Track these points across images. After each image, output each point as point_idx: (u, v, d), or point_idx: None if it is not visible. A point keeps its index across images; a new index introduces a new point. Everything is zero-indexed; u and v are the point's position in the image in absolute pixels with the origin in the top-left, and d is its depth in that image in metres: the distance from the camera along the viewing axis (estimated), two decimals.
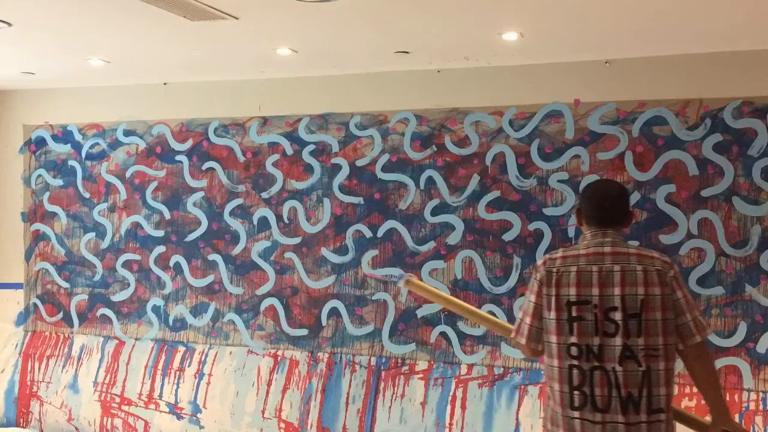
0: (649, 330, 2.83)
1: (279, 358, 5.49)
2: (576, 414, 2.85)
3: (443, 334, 5.08)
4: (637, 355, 2.83)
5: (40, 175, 6.28)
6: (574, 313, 2.88)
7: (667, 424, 2.86)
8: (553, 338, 2.90)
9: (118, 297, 5.98)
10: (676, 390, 3.06)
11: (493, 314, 4.97)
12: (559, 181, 4.86)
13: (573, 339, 2.87)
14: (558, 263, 2.96)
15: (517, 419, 4.85)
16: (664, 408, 2.83)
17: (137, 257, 5.93)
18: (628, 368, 2.83)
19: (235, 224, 5.63)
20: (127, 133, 6.00)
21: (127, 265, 5.96)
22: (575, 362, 2.87)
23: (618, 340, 2.84)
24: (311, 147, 5.46)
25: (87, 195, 6.11)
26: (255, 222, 5.58)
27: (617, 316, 2.85)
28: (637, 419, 2.81)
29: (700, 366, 2.93)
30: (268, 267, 5.53)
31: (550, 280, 2.94)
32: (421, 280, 5.02)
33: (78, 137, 6.16)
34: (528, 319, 3.01)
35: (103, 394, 5.94)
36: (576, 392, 2.86)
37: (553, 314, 2.91)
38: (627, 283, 2.86)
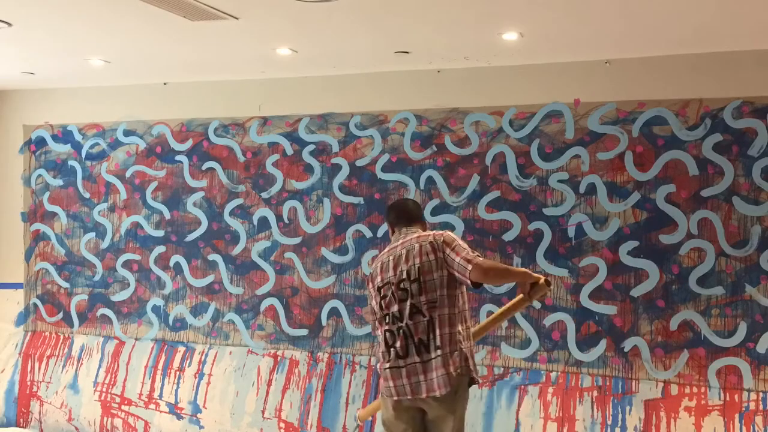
0: (427, 288, 3.60)
1: (279, 358, 5.49)
2: (387, 365, 3.65)
3: None
4: (422, 309, 3.60)
5: (40, 175, 6.28)
6: (381, 294, 3.72)
7: (451, 356, 3.53)
8: (378, 314, 3.73)
9: (118, 297, 5.98)
10: (465, 327, 3.61)
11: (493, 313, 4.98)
12: (559, 181, 4.86)
13: (385, 311, 3.70)
14: (373, 264, 3.85)
15: (517, 419, 4.85)
16: (446, 343, 3.53)
17: (137, 257, 5.93)
18: (416, 320, 3.60)
19: (235, 224, 5.63)
20: (127, 133, 6.00)
21: (127, 265, 5.96)
22: (386, 327, 3.68)
23: (407, 302, 3.62)
24: (311, 147, 5.46)
25: (87, 195, 6.11)
26: (255, 222, 5.58)
27: (405, 284, 3.65)
28: (428, 357, 3.56)
29: (487, 278, 3.59)
30: (268, 267, 5.53)
31: (371, 277, 3.82)
32: None
33: (78, 137, 6.16)
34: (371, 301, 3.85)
35: (103, 394, 5.94)
36: (389, 350, 3.65)
37: (373, 301, 3.77)
38: (409, 259, 3.66)
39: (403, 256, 3.67)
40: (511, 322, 4.93)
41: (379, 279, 3.73)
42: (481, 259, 3.55)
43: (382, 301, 3.70)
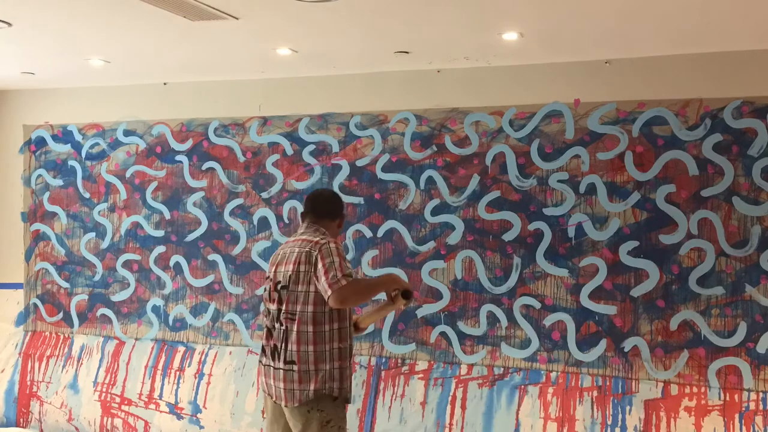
0: (290, 299, 3.61)
1: None
2: (262, 360, 3.75)
3: (443, 334, 5.09)
4: (281, 317, 3.63)
5: (40, 175, 6.28)
6: (265, 286, 3.79)
7: (300, 374, 3.56)
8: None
9: (118, 297, 5.98)
10: (334, 348, 3.59)
11: (493, 314, 4.98)
12: (559, 181, 4.86)
13: (265, 305, 3.78)
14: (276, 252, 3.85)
15: (517, 419, 4.85)
16: (296, 361, 3.56)
17: (137, 257, 5.93)
18: (278, 326, 3.64)
19: (235, 224, 5.63)
20: (127, 133, 6.00)
21: (127, 265, 5.96)
22: (265, 321, 3.76)
23: (275, 306, 3.67)
24: (311, 147, 5.46)
25: (87, 195, 6.11)
26: (255, 222, 5.58)
27: (279, 288, 3.67)
28: (279, 366, 3.62)
29: (348, 304, 3.54)
30: (268, 267, 5.52)
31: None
32: (420, 280, 5.04)
33: (78, 137, 6.16)
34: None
35: (103, 394, 5.94)
36: (263, 346, 3.74)
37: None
38: (287, 263, 3.66)
39: (285, 258, 3.68)
40: (511, 322, 4.93)
41: (268, 270, 3.79)
42: (344, 283, 3.46)
43: (264, 294, 3.79)
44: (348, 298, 3.50)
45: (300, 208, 5.41)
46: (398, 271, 5.14)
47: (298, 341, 3.56)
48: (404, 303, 3.68)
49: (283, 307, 3.62)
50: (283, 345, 3.59)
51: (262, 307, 3.99)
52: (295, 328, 3.57)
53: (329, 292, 3.46)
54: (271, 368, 3.65)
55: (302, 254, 3.60)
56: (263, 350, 3.73)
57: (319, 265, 3.52)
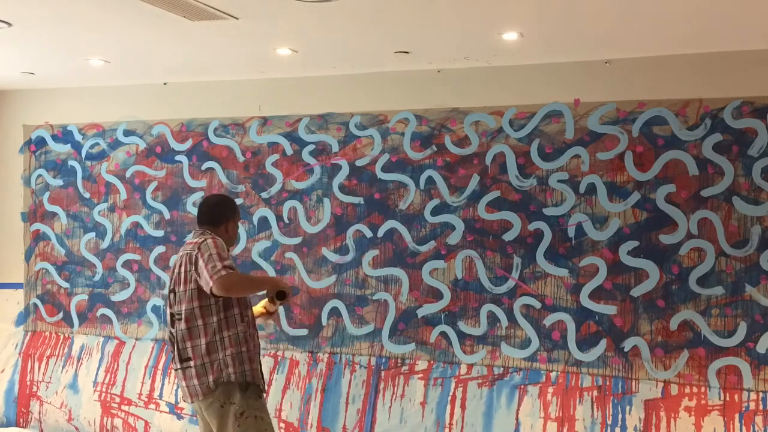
0: (178, 299, 3.72)
1: (279, 358, 5.49)
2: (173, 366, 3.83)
3: (443, 334, 5.09)
4: (174, 319, 3.75)
5: (40, 175, 6.28)
6: (168, 293, 3.85)
7: (197, 368, 3.67)
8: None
9: (118, 297, 5.98)
10: (228, 335, 3.70)
11: (494, 314, 4.98)
12: (559, 181, 4.86)
13: (167, 311, 3.85)
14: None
15: (517, 419, 4.85)
16: (191, 357, 3.68)
17: (137, 257, 5.93)
18: (175, 328, 3.74)
19: None
20: (127, 133, 6.00)
21: (127, 265, 5.96)
22: (169, 328, 3.83)
23: (168, 310, 3.80)
24: (311, 147, 5.46)
25: (87, 195, 6.11)
26: (255, 222, 5.58)
27: (168, 292, 3.80)
28: (178, 366, 3.74)
29: (231, 293, 3.60)
30: (268, 267, 5.53)
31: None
32: (421, 280, 5.04)
33: (78, 137, 6.16)
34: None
35: (103, 394, 5.94)
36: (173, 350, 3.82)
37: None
38: (175, 268, 3.77)
39: (177, 264, 3.78)
40: (511, 322, 4.93)
41: (172, 274, 3.84)
42: (224, 273, 3.54)
43: (166, 303, 3.87)
44: (231, 286, 3.57)
45: (300, 208, 5.44)
46: (401, 272, 5.14)
47: (192, 336, 3.69)
48: (279, 303, 3.83)
49: (175, 308, 3.75)
50: (179, 345, 3.72)
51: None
52: (183, 326, 3.69)
53: (210, 283, 3.54)
54: (177, 370, 3.78)
55: (185, 256, 3.71)
56: (172, 358, 3.84)
57: (200, 262, 3.61)
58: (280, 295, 3.80)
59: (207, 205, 3.99)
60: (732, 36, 4.28)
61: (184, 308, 3.70)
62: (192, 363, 3.69)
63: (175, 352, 3.76)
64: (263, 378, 3.82)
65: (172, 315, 3.78)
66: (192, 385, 3.71)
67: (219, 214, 3.92)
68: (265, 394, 3.85)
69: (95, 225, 6.07)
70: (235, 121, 5.68)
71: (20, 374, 6.26)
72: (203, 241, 3.68)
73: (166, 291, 4.00)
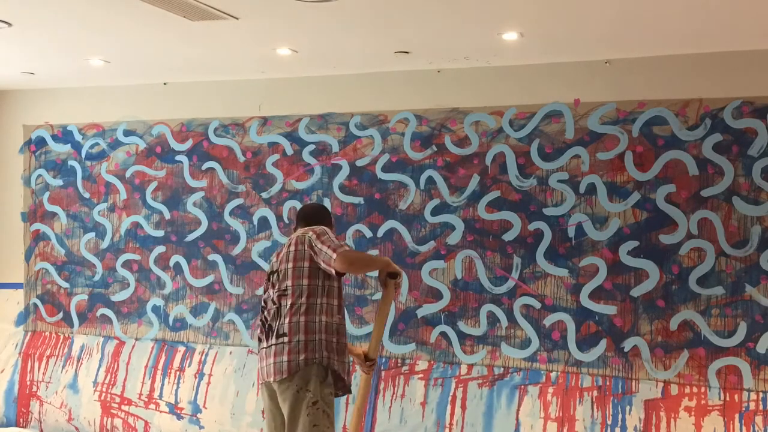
0: (282, 277, 3.73)
1: None
2: (258, 351, 3.83)
3: (443, 334, 5.09)
4: (274, 297, 3.75)
5: (40, 175, 6.28)
6: (265, 282, 3.89)
7: (291, 345, 3.64)
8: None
9: (118, 297, 5.98)
10: (329, 320, 3.69)
11: (494, 314, 4.98)
12: (559, 181, 4.86)
13: (263, 297, 3.88)
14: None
15: (517, 419, 4.85)
16: (287, 332, 3.65)
17: (137, 257, 5.93)
18: (271, 307, 3.75)
19: (235, 224, 5.63)
20: (127, 133, 6.00)
21: (127, 265, 5.96)
22: (260, 319, 3.85)
23: (271, 292, 3.79)
24: (311, 147, 5.46)
25: (87, 195, 6.11)
26: (255, 222, 5.58)
27: (273, 275, 3.81)
28: (271, 342, 3.70)
29: (352, 267, 3.77)
30: (268, 267, 5.52)
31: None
32: (421, 281, 5.04)
33: (78, 137, 6.16)
34: None
35: (103, 394, 5.94)
36: (259, 335, 3.83)
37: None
38: (283, 249, 3.80)
39: (283, 247, 3.83)
40: (511, 322, 4.93)
41: (273, 266, 3.87)
42: (347, 248, 3.64)
43: (263, 288, 3.92)
44: (353, 260, 3.68)
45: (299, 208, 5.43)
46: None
47: (290, 313, 3.67)
48: (396, 283, 3.78)
49: (278, 286, 3.74)
50: (277, 320, 3.70)
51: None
52: (288, 302, 3.68)
53: (334, 256, 3.57)
54: (264, 349, 3.74)
55: (295, 239, 3.75)
56: (259, 340, 3.83)
57: (317, 242, 3.66)
58: (392, 275, 3.76)
59: (311, 208, 4.15)
60: (732, 36, 4.28)
61: (290, 284, 3.70)
62: (287, 339, 3.65)
63: (267, 330, 3.73)
64: (349, 376, 3.79)
65: (274, 295, 3.75)
66: (279, 362, 3.64)
67: (322, 216, 4.00)
68: (340, 393, 3.80)
69: (95, 225, 6.07)
70: (235, 121, 5.68)
71: (20, 374, 6.26)
72: (319, 228, 3.75)
73: (267, 279, 3.87)
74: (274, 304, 3.73)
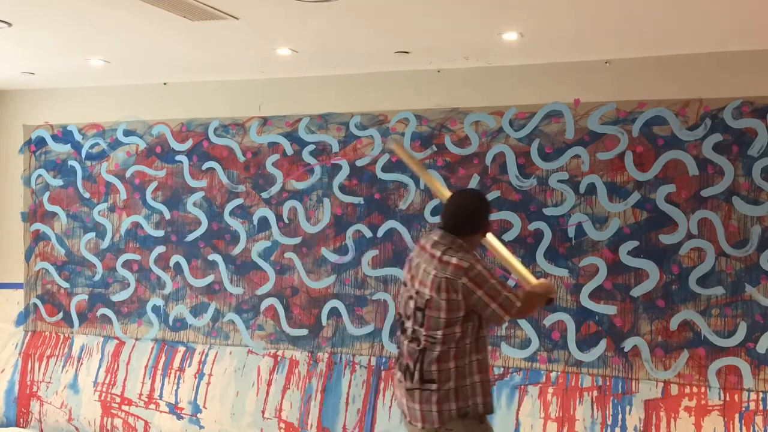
0: (430, 324, 3.29)
1: (279, 358, 5.49)
2: (395, 374, 3.49)
3: None
4: (419, 337, 3.32)
5: (40, 175, 6.28)
6: (401, 292, 3.49)
7: (440, 393, 3.28)
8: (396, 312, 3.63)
9: (118, 297, 5.98)
10: (469, 361, 3.36)
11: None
12: (559, 181, 4.86)
13: (398, 315, 3.48)
14: (414, 249, 3.56)
15: (517, 419, 4.85)
16: (436, 380, 3.28)
17: (137, 257, 5.93)
18: (412, 344, 3.35)
19: (235, 224, 5.63)
20: (127, 133, 6.00)
21: (127, 265, 5.96)
22: (398, 332, 3.48)
23: (410, 323, 3.38)
24: (311, 147, 5.46)
25: (87, 195, 6.11)
26: (255, 222, 5.58)
27: (411, 304, 3.38)
28: (412, 386, 3.33)
29: (524, 316, 3.60)
30: (268, 267, 5.53)
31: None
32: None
33: (78, 137, 6.16)
34: None
35: (103, 394, 5.94)
36: (398, 356, 3.49)
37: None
38: (422, 280, 3.34)
39: (420, 272, 3.37)
40: (511, 322, 4.93)
41: (405, 271, 3.49)
42: (519, 305, 3.30)
43: (399, 300, 3.51)
44: (524, 314, 3.48)
45: (300, 208, 5.43)
46: (400, 272, 5.14)
47: (438, 360, 3.29)
48: (549, 299, 3.61)
49: (423, 331, 3.32)
50: (418, 365, 3.32)
51: (396, 311, 3.82)
52: (438, 349, 3.29)
53: (507, 318, 3.32)
54: (406, 390, 3.38)
55: (442, 281, 3.27)
56: (397, 362, 3.49)
57: (478, 294, 3.26)
58: (549, 302, 3.56)
59: (466, 210, 3.47)
60: (732, 36, 4.28)
61: (438, 334, 3.27)
62: (434, 386, 3.29)
63: (410, 370, 3.35)
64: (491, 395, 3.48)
65: (415, 331, 3.35)
66: (428, 411, 3.30)
67: (478, 221, 3.48)
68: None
69: (95, 225, 6.07)
70: (235, 121, 5.68)
71: (20, 374, 6.26)
72: (469, 267, 3.28)
73: (404, 291, 3.48)
74: (418, 345, 3.33)
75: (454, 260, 3.30)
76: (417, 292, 3.36)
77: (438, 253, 3.34)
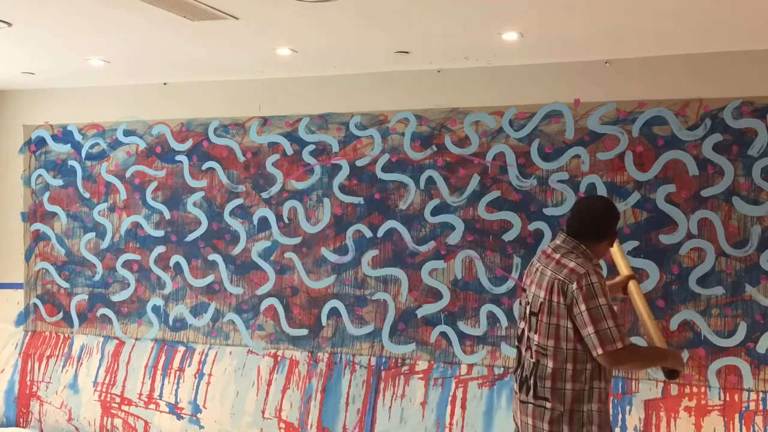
0: (541, 330, 3.17)
1: (279, 358, 5.49)
2: (514, 386, 3.37)
3: (443, 334, 5.09)
4: (532, 348, 3.22)
5: (40, 175, 6.28)
6: (522, 300, 3.38)
7: (554, 413, 3.13)
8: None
9: (118, 297, 5.98)
10: (590, 387, 3.17)
11: (493, 314, 4.98)
12: (559, 181, 4.87)
13: (519, 323, 3.38)
14: (536, 255, 3.45)
15: None
16: (550, 398, 3.14)
17: (137, 257, 5.93)
18: (527, 357, 3.25)
19: (235, 224, 5.63)
20: (127, 133, 6.00)
21: (127, 265, 5.96)
22: (517, 343, 3.37)
23: (527, 331, 3.27)
24: (311, 147, 5.46)
25: (87, 195, 6.11)
26: (255, 222, 5.58)
27: (527, 309, 3.28)
28: (526, 399, 3.22)
29: (618, 368, 3.26)
30: (268, 267, 5.53)
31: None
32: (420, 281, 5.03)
33: (78, 137, 6.16)
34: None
35: (103, 394, 5.94)
36: (517, 370, 3.36)
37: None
38: (539, 285, 3.22)
39: (538, 276, 3.24)
40: (511, 322, 4.93)
41: (524, 280, 3.39)
42: (620, 347, 3.01)
43: (520, 308, 3.39)
44: (623, 364, 3.17)
45: (300, 208, 5.43)
46: (400, 272, 5.14)
47: (553, 378, 3.14)
48: (668, 378, 3.34)
49: (535, 338, 3.20)
50: (534, 379, 3.19)
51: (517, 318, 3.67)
52: (550, 363, 3.14)
53: (600, 352, 3.02)
54: (521, 402, 3.27)
55: (555, 282, 3.14)
56: (515, 374, 3.36)
57: (581, 307, 3.05)
58: (671, 374, 3.26)
59: (591, 214, 3.29)
60: (732, 36, 4.28)
61: (549, 344, 3.14)
62: (549, 405, 3.14)
63: (527, 383, 3.23)
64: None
65: (530, 340, 3.23)
66: (539, 428, 3.17)
67: (604, 228, 3.28)
68: None
69: (95, 225, 6.07)
70: (235, 121, 5.68)
71: (20, 374, 6.26)
72: (584, 274, 3.09)
73: (522, 297, 3.37)
74: (532, 357, 3.20)
75: (571, 264, 3.16)
76: (534, 296, 3.23)
77: (557, 256, 3.23)
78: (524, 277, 3.41)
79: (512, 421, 3.45)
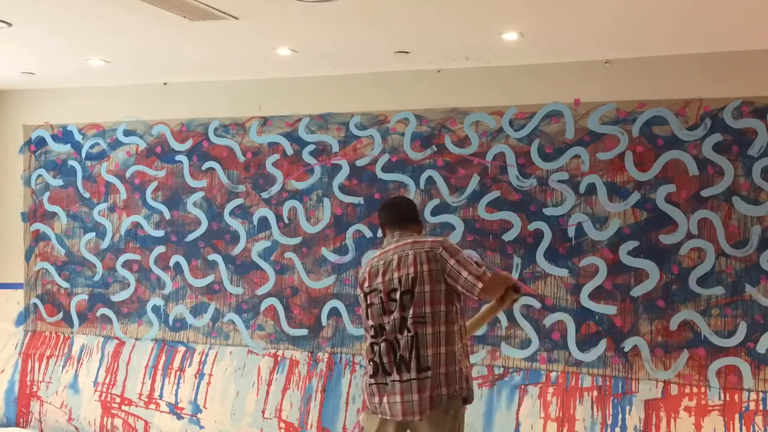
0: (416, 302, 3.38)
1: (279, 358, 5.49)
2: (372, 380, 3.47)
3: None
4: (407, 324, 3.38)
5: (40, 175, 6.28)
6: (368, 301, 3.52)
7: (446, 377, 3.36)
8: (364, 323, 3.57)
9: (118, 297, 5.98)
10: (463, 345, 3.46)
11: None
12: (559, 181, 4.87)
13: (370, 322, 3.50)
14: (364, 267, 3.63)
15: (517, 419, 4.85)
16: (431, 366, 3.35)
17: (137, 257, 5.93)
18: (402, 335, 3.40)
19: (235, 224, 5.63)
20: (127, 133, 6.00)
21: (127, 265, 5.96)
22: (372, 339, 3.49)
23: (397, 314, 3.42)
24: (311, 147, 5.46)
25: (87, 195, 6.11)
26: (255, 222, 5.58)
27: (395, 295, 3.43)
28: (408, 377, 3.36)
29: (495, 295, 3.50)
30: (268, 267, 5.53)
31: (359, 282, 3.61)
32: None
33: (78, 137, 6.16)
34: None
35: (103, 394, 5.94)
36: (371, 363, 3.47)
37: (362, 306, 3.57)
38: (401, 267, 3.43)
39: (394, 263, 3.45)
40: (511, 322, 4.93)
41: (366, 284, 3.53)
42: (489, 274, 3.37)
43: (369, 310, 3.51)
44: (494, 288, 3.44)
45: (300, 208, 5.43)
46: None
47: (433, 344, 3.35)
48: (514, 298, 3.58)
49: (411, 311, 3.38)
50: (414, 352, 3.36)
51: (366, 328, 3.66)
52: (429, 330, 3.36)
53: (480, 286, 3.32)
54: (396, 383, 3.38)
55: (422, 254, 3.41)
56: (376, 369, 3.45)
57: (451, 262, 3.37)
58: (516, 288, 3.57)
59: (407, 203, 3.78)
60: (732, 36, 4.28)
61: (429, 310, 3.37)
62: (430, 372, 3.33)
63: (406, 360, 3.37)
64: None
65: (403, 319, 3.39)
66: (425, 398, 3.33)
67: (416, 212, 3.73)
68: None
69: (95, 225, 6.07)
70: (235, 121, 5.68)
71: (20, 374, 6.26)
72: (443, 240, 3.47)
73: (371, 298, 3.51)
74: (409, 331, 3.37)
75: (429, 238, 3.53)
76: (399, 278, 3.43)
77: (409, 241, 3.51)
78: (364, 282, 3.54)
79: (372, 414, 3.50)
